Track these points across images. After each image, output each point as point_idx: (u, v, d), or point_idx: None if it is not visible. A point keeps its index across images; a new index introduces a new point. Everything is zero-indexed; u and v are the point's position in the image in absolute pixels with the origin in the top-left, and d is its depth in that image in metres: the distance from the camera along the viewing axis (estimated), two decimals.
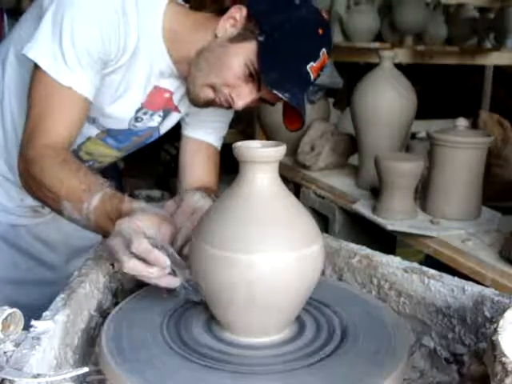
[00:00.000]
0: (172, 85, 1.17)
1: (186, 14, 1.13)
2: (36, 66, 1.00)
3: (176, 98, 1.20)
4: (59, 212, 0.96)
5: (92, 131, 1.18)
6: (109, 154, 1.27)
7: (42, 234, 1.33)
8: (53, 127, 1.00)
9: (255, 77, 1.05)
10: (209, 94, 1.09)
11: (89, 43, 0.99)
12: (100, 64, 1.03)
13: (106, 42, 1.01)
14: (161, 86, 1.15)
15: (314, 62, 1.05)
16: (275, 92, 1.01)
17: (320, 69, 1.08)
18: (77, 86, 1.00)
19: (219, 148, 1.32)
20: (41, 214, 1.30)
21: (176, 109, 1.23)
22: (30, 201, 1.19)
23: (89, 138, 1.19)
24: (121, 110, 1.14)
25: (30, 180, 0.99)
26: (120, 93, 1.11)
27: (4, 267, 1.27)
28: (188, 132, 1.30)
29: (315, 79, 1.08)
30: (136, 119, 1.18)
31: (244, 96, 1.07)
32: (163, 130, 1.27)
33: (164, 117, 1.22)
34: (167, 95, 1.18)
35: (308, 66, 1.05)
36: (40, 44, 1.00)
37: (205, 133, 1.29)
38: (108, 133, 1.19)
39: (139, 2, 1.05)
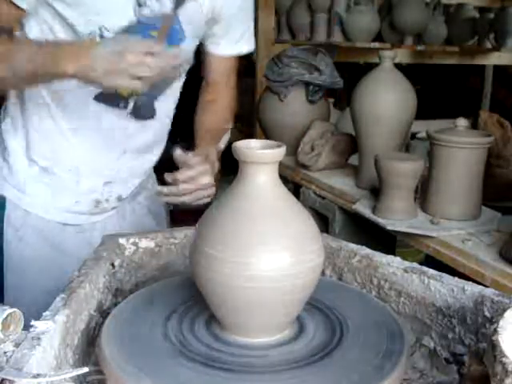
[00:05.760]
0: None
1: None
2: None
3: None
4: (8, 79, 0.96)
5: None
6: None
7: (93, 239, 1.22)
8: None
9: None
10: None
11: None
12: None
13: None
14: None
15: None
16: None
17: None
18: None
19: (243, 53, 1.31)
20: (101, 207, 1.22)
21: None
22: (86, 183, 1.13)
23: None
24: None
25: None
26: None
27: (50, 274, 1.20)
28: (214, 49, 1.28)
29: None
30: (139, 4, 1.08)
31: None
32: (184, 21, 1.14)
33: None
34: None
35: None
36: None
37: (231, 43, 1.28)
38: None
39: None
